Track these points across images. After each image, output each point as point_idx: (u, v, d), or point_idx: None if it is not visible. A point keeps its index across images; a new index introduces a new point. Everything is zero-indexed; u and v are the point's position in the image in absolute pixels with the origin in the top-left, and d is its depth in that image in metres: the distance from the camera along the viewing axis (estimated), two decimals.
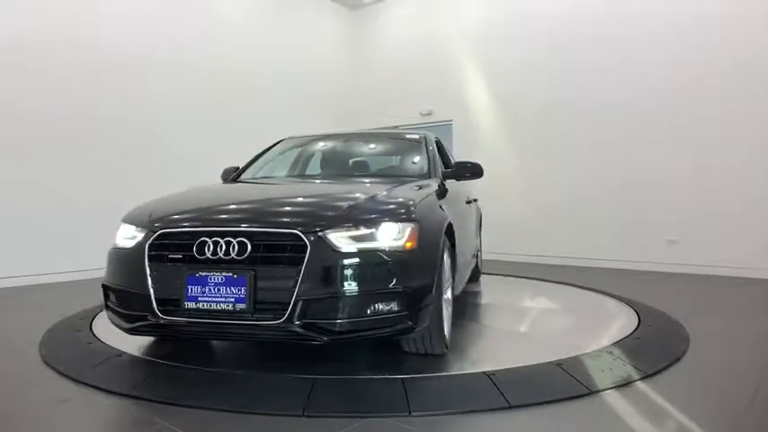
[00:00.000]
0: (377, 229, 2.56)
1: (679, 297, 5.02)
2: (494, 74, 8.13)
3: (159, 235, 2.63)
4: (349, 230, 2.52)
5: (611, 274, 6.33)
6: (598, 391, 2.51)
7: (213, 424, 2.22)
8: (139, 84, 6.69)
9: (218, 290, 2.46)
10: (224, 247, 2.50)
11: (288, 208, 2.91)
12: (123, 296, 2.71)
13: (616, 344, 3.21)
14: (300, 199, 3.09)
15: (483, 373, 2.68)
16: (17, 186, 5.66)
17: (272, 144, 4.61)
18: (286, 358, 2.92)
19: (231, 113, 7.64)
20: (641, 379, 2.68)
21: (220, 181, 4.19)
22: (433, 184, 3.44)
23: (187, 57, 7.20)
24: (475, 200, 5.28)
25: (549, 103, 7.52)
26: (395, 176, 3.74)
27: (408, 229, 2.60)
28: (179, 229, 2.66)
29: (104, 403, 2.43)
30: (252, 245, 2.49)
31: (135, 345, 3.21)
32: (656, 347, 3.25)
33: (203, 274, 2.48)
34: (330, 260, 2.44)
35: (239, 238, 2.51)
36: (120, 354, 3.06)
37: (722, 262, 6.17)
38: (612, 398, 2.46)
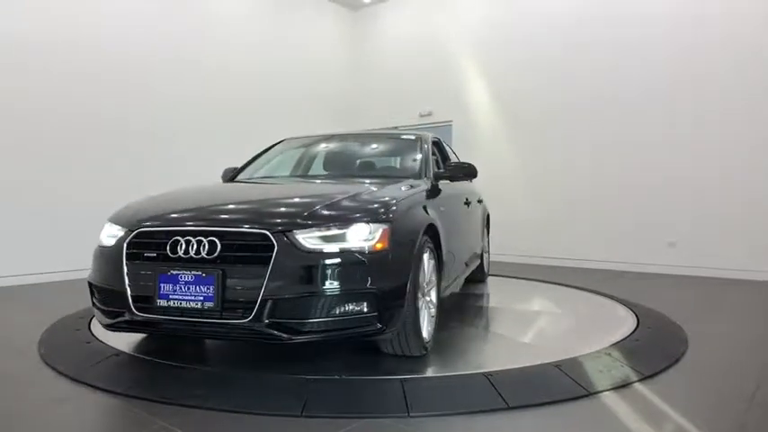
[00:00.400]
0: (348, 229, 2.56)
1: (678, 299, 5.02)
2: (494, 75, 8.14)
3: (137, 234, 2.69)
4: (319, 231, 2.53)
5: (610, 276, 6.33)
6: (596, 393, 2.51)
7: (212, 424, 2.22)
8: (139, 84, 6.69)
9: (188, 288, 2.50)
10: (195, 247, 2.55)
11: (261, 208, 2.91)
12: (104, 293, 2.78)
13: (615, 345, 3.21)
14: (277, 199, 3.09)
15: (481, 373, 2.68)
16: (17, 186, 5.67)
17: (270, 145, 4.62)
18: (285, 358, 2.92)
19: (231, 114, 7.64)
20: (640, 380, 2.68)
21: (220, 181, 4.20)
22: (423, 185, 3.43)
23: (187, 57, 7.20)
24: (480, 200, 5.31)
25: (548, 104, 7.52)
26: (385, 177, 3.73)
27: (380, 229, 2.59)
28: (155, 228, 2.71)
29: (103, 403, 2.44)
30: (222, 244, 2.52)
31: (134, 344, 3.21)
32: (654, 349, 3.26)
33: (174, 272, 2.52)
34: (297, 260, 2.45)
35: (210, 238, 2.55)
36: (118, 353, 3.06)
37: (721, 264, 6.17)
38: (611, 399, 2.46)
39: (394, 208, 2.77)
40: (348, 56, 9.73)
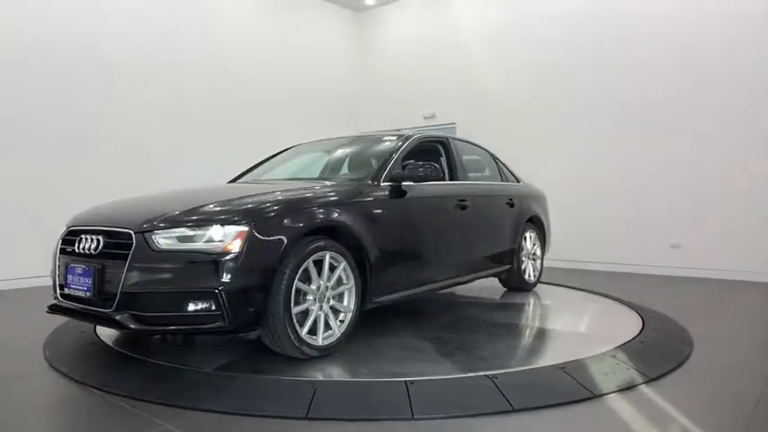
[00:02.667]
0: (203, 231, 2.69)
1: (683, 301, 5.00)
2: (497, 76, 8.13)
3: (67, 232, 3.11)
4: (176, 231, 2.69)
5: (614, 278, 6.32)
6: (602, 395, 2.50)
7: (215, 426, 2.22)
8: (140, 86, 6.70)
9: (78, 279, 2.86)
10: (87, 244, 2.89)
11: (149, 210, 2.96)
12: (52, 281, 3.16)
13: (620, 347, 3.19)
14: (176, 202, 3.09)
15: (486, 375, 2.67)
16: (23, 187, 5.69)
17: (280, 150, 4.77)
18: (289, 360, 2.92)
19: (232, 115, 7.63)
20: (645, 383, 2.67)
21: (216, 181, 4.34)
22: (364, 188, 3.41)
23: (187, 58, 7.20)
24: (511, 203, 4.87)
25: (551, 104, 7.51)
26: (339, 180, 3.70)
27: (235, 233, 2.67)
28: (74, 227, 3.09)
29: (107, 404, 2.44)
30: (103, 242, 2.83)
31: (138, 347, 3.22)
32: (659, 351, 3.24)
33: (73, 265, 2.91)
34: (150, 258, 2.65)
35: (97, 236, 2.87)
36: (123, 355, 3.07)
37: (726, 265, 6.15)
38: (616, 401, 2.45)
39: (256, 212, 2.80)
40: (351, 58, 9.74)
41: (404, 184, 3.60)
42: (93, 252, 2.83)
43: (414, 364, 2.93)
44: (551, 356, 3.02)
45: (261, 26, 8.28)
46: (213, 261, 2.61)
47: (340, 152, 4.55)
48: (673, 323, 3.91)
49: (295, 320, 2.80)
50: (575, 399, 2.45)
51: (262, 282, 2.68)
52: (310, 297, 2.92)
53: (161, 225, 2.72)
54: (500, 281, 5.18)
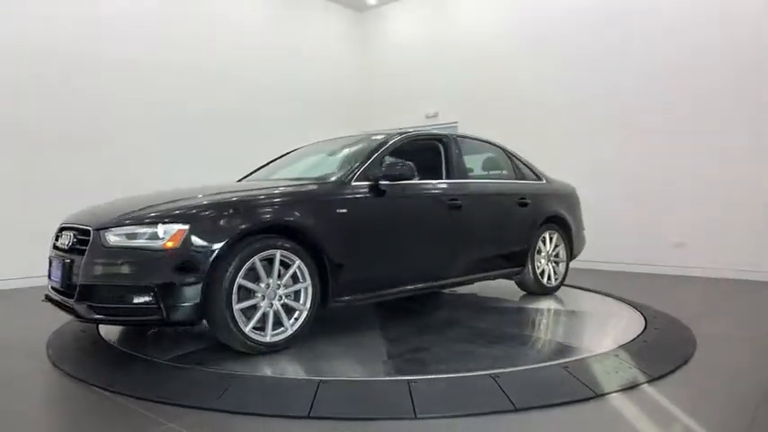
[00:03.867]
0: (148, 229, 2.85)
1: (685, 300, 4.99)
2: (499, 75, 8.11)
3: (59, 228, 3.30)
4: (127, 229, 2.88)
5: (617, 277, 6.31)
6: (604, 394, 2.50)
7: (218, 425, 2.23)
8: (142, 88, 6.71)
9: (56, 272, 3.10)
10: (64, 240, 3.13)
11: (119, 208, 3.14)
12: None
13: (622, 347, 3.19)
14: (146, 202, 3.19)
15: (488, 375, 2.67)
16: (24, 188, 5.71)
17: (290, 150, 4.81)
18: (291, 359, 2.93)
19: (234, 118, 7.63)
20: (647, 382, 2.67)
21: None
22: (328, 188, 3.41)
23: (189, 60, 7.21)
24: (524, 202, 4.64)
25: (552, 104, 7.49)
26: (308, 181, 3.68)
27: (174, 230, 2.81)
28: (62, 225, 3.31)
29: (110, 403, 2.45)
30: (73, 238, 3.06)
31: (140, 346, 3.22)
32: (662, 350, 3.24)
33: (54, 260, 3.16)
34: (101, 254, 2.86)
35: (71, 233, 3.10)
36: (126, 354, 3.08)
37: (728, 265, 6.13)
38: (619, 401, 2.45)
39: (195, 213, 2.92)
40: (353, 57, 9.73)
41: (382, 183, 3.58)
42: (66, 248, 3.07)
43: (416, 362, 2.92)
44: (553, 355, 3.02)
45: (262, 26, 8.28)
46: (153, 258, 2.77)
47: (338, 152, 4.48)
48: (676, 322, 3.90)
49: (237, 316, 2.88)
50: (577, 398, 2.45)
51: (199, 278, 2.78)
52: (259, 294, 2.99)
53: (113, 223, 2.92)
54: (517, 284, 4.91)
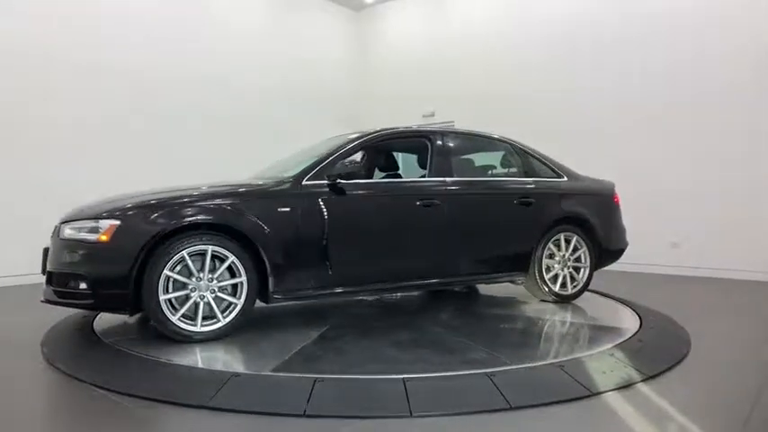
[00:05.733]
0: (88, 224, 3.13)
1: (681, 300, 5.01)
2: (496, 74, 8.12)
3: (61, 222, 3.40)
4: (75, 224, 3.17)
5: (613, 276, 6.31)
6: (599, 393, 2.50)
7: (214, 423, 2.22)
8: (141, 90, 6.69)
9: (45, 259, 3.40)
10: (54, 231, 3.38)
11: (93, 204, 3.43)
12: None
13: (618, 346, 3.20)
14: (115, 199, 3.43)
15: (484, 373, 2.67)
16: (20, 186, 5.70)
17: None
18: (286, 358, 2.93)
19: (231, 116, 7.62)
20: (643, 381, 2.68)
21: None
22: (273, 187, 3.45)
23: (189, 61, 7.20)
24: (527, 201, 4.33)
25: (550, 104, 7.50)
26: (263, 181, 3.67)
27: (107, 225, 3.07)
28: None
29: (105, 402, 2.44)
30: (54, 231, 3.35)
31: (136, 343, 3.21)
32: (657, 350, 3.24)
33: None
34: (57, 245, 3.23)
35: (56, 226, 3.36)
36: (121, 352, 3.06)
37: (724, 265, 6.16)
38: (614, 400, 2.45)
39: (128, 209, 3.16)
40: (350, 56, 9.72)
41: (340, 182, 3.56)
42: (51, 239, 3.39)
43: (412, 360, 2.92)
44: (549, 354, 3.02)
45: (260, 26, 8.27)
46: (89, 249, 3.08)
47: (317, 152, 4.29)
48: (671, 322, 3.92)
49: (164, 306, 3.09)
50: (573, 397, 2.46)
51: (127, 269, 3.02)
52: (190, 286, 3.16)
53: (70, 217, 3.26)
54: (527, 290, 4.65)
